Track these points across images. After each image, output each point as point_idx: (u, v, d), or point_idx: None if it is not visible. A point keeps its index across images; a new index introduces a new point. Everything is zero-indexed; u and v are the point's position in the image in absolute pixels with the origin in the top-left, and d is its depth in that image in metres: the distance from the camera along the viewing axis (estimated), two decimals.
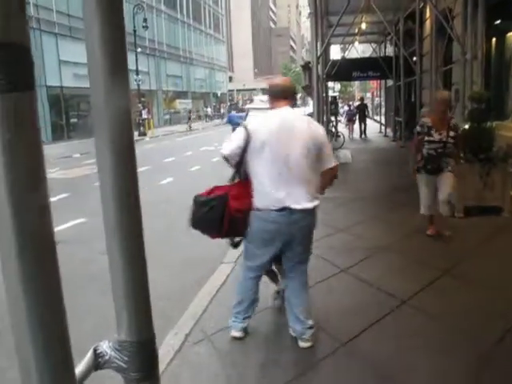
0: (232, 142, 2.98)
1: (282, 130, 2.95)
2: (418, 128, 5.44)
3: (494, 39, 8.91)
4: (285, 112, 3.06)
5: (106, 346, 1.14)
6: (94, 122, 1.01)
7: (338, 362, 3.01)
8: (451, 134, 5.24)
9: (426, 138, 5.30)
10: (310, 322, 3.19)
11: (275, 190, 2.92)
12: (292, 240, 3.05)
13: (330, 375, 2.89)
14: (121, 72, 0.99)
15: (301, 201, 2.95)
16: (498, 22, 8.61)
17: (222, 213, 3.02)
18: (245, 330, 3.35)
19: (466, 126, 6.60)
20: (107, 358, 1.13)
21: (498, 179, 6.10)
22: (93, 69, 0.97)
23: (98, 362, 1.14)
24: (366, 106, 22.49)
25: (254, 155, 2.93)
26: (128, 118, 1.02)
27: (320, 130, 3.13)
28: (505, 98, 8.16)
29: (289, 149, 2.92)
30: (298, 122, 3.06)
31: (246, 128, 2.93)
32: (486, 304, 3.68)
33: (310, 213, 3.02)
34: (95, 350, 1.14)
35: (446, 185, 5.29)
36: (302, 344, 3.16)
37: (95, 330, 3.54)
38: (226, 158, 3.03)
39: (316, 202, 3.03)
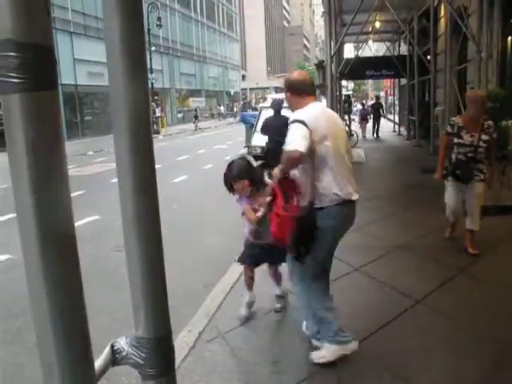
0: (301, 138, 2.74)
1: (331, 124, 2.97)
2: (448, 128, 4.98)
3: (510, 38, 8.80)
4: (321, 106, 3.14)
5: (123, 343, 1.16)
6: (112, 121, 1.03)
7: (347, 364, 3.00)
8: (484, 137, 4.70)
9: (456, 141, 4.82)
10: None
11: (337, 183, 2.87)
12: (342, 235, 3.05)
13: (343, 373, 2.89)
14: (140, 71, 1.01)
15: (354, 192, 2.98)
16: None
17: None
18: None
19: None
20: (124, 354, 1.15)
21: None
22: (112, 68, 0.98)
23: (115, 358, 1.15)
24: (381, 105, 21.97)
25: (314, 150, 2.83)
26: (147, 116, 1.03)
27: None
28: None
29: (340, 141, 2.97)
30: (335, 115, 3.20)
31: (304, 123, 2.78)
32: (502, 304, 3.64)
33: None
34: (113, 346, 1.16)
35: (474, 198, 4.84)
36: (316, 343, 3.15)
37: (110, 326, 3.58)
38: (300, 157, 2.72)
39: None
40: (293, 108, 3.08)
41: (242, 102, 55.89)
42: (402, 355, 3.04)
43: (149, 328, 1.10)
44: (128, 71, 0.98)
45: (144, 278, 1.06)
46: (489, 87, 7.80)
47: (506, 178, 6.02)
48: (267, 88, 72.79)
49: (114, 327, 3.56)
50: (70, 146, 20.70)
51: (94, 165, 14.67)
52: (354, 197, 2.96)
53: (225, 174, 3.64)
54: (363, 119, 21.11)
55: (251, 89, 73.95)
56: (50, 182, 0.79)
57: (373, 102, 23.38)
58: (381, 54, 26.03)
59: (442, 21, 12.93)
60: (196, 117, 35.96)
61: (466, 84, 11.11)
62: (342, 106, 17.22)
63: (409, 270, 4.48)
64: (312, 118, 2.84)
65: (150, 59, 28.66)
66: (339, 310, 3.10)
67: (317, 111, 2.98)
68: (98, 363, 1.11)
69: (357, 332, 3.25)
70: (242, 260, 3.76)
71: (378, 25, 16.62)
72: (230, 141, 21.74)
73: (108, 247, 5.68)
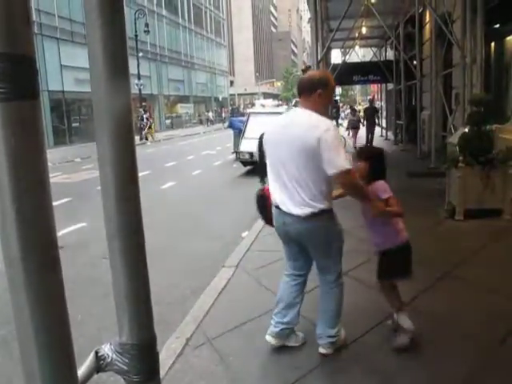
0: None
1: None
2: None
3: (493, 43, 8.94)
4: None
5: (107, 349, 1.16)
6: (95, 126, 1.03)
7: (338, 365, 3.02)
8: None
9: None
10: (331, 332, 3.11)
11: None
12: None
13: (331, 377, 2.90)
14: (122, 76, 1.01)
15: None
16: (497, 26, 8.65)
17: None
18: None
19: (466, 129, 6.63)
20: (109, 360, 1.15)
21: (498, 182, 6.11)
22: (94, 73, 0.99)
23: (99, 365, 1.15)
24: (376, 110, 18.90)
25: None
26: (129, 122, 1.04)
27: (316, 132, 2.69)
28: (504, 101, 8.19)
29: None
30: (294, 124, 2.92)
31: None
32: (486, 306, 3.68)
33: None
34: (97, 353, 1.16)
35: None
36: (320, 349, 3.14)
37: (98, 333, 3.56)
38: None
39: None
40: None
41: (230, 108, 56.00)
42: (388, 358, 3.06)
43: (133, 334, 1.10)
44: (110, 77, 0.99)
45: (127, 283, 1.06)
46: (473, 91, 7.91)
47: (490, 182, 6.09)
48: (255, 94, 73.02)
49: (101, 335, 3.54)
50: (57, 153, 20.56)
51: (81, 172, 14.57)
52: None
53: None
54: (354, 128, 17.84)
55: (239, 94, 74.14)
56: (31, 191, 0.80)
57: (365, 106, 21.68)
58: (368, 59, 26.25)
59: (427, 27, 13.10)
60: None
61: (451, 89, 11.25)
62: (330, 111, 17.30)
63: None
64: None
65: (138, 65, 28.62)
66: (327, 314, 3.14)
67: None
68: (83, 370, 1.11)
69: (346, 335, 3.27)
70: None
71: (364, 30, 16.79)
72: (218, 146, 21.75)
73: (95, 255, 5.65)
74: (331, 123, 2.92)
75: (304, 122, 2.85)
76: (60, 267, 0.87)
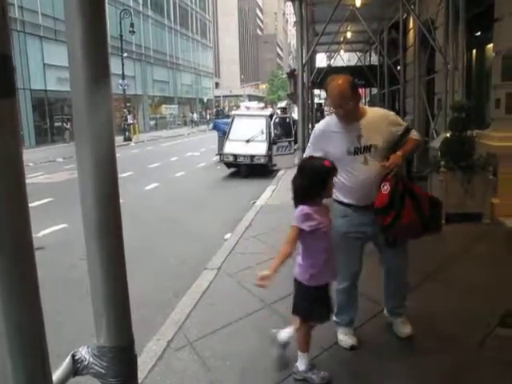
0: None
1: None
2: None
3: (474, 50, 9.08)
4: None
5: (84, 352, 1.14)
6: (74, 126, 1.02)
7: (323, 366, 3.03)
8: None
9: None
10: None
11: None
12: None
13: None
14: (103, 76, 1.00)
15: None
16: (478, 33, 8.78)
17: None
18: None
19: (448, 135, 6.71)
20: (86, 363, 1.14)
21: (478, 186, 6.20)
22: (74, 73, 0.98)
23: (76, 368, 1.14)
24: None
25: None
26: (109, 122, 1.03)
27: None
28: (484, 108, 8.30)
29: None
30: None
31: None
32: (466, 308, 3.73)
33: None
34: (74, 356, 1.14)
35: None
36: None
37: (77, 335, 3.50)
38: None
39: None
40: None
41: (215, 110, 55.94)
42: (368, 360, 3.08)
43: (110, 336, 1.09)
44: (90, 77, 0.97)
45: (105, 285, 1.05)
46: (455, 98, 8.01)
47: (471, 187, 6.18)
48: (240, 96, 73.06)
49: (80, 338, 3.48)
50: (39, 153, 20.30)
51: (63, 172, 14.39)
52: None
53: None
54: None
55: (224, 96, 74.06)
56: (6, 192, 0.78)
57: None
58: (352, 63, 26.45)
59: (411, 33, 13.24)
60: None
61: (434, 94, 11.38)
62: (314, 115, 17.41)
63: (376, 277, 4.53)
64: None
65: (123, 65, 28.38)
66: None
67: None
68: (59, 373, 1.10)
69: (329, 337, 3.28)
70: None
71: (349, 35, 16.90)
72: (203, 148, 21.69)
73: (76, 256, 5.57)
74: (319, 123, 3.41)
75: None
76: (35, 268, 0.85)
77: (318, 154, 2.96)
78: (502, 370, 2.89)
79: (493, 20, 7.13)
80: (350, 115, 3.01)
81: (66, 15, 0.97)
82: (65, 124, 26.39)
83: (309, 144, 3.29)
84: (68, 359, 1.13)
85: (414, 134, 3.17)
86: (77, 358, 1.14)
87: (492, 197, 6.29)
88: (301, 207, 2.65)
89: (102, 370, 1.12)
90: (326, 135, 3.14)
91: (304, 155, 3.15)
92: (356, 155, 3.00)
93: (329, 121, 3.26)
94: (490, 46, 7.76)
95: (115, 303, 1.07)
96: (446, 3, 8.43)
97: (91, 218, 1.02)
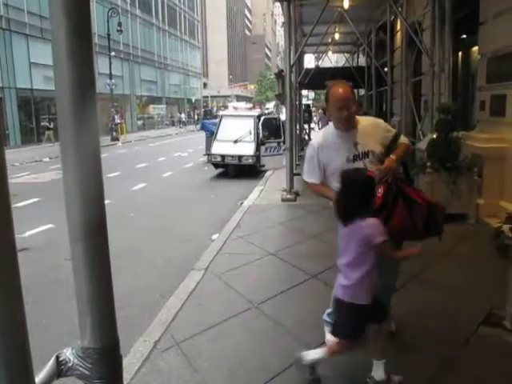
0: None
1: None
2: None
3: (460, 53, 9.18)
4: None
5: (69, 353, 1.13)
6: (58, 125, 1.01)
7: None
8: None
9: None
10: None
11: None
12: None
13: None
14: (87, 77, 1.00)
15: None
16: (464, 36, 8.89)
17: None
18: None
19: (434, 136, 6.77)
20: (70, 365, 1.13)
21: (464, 187, 6.27)
22: (59, 74, 0.97)
23: (60, 370, 1.13)
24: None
25: None
26: (94, 122, 1.02)
27: None
28: (470, 110, 8.40)
29: None
30: None
31: None
32: (451, 307, 3.78)
33: None
34: (58, 357, 1.13)
35: None
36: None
37: (62, 336, 3.47)
38: None
39: None
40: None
41: (203, 110, 55.81)
42: (357, 360, 3.10)
43: (95, 338, 1.09)
44: (75, 76, 0.97)
45: (90, 285, 1.04)
46: (441, 99, 8.09)
47: (456, 188, 6.24)
48: (228, 96, 72.98)
49: (65, 340, 3.46)
50: (25, 152, 20.09)
51: (50, 171, 14.25)
52: None
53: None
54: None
55: (212, 96, 73.90)
56: None
57: None
58: (340, 64, 26.58)
59: (398, 35, 13.35)
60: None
61: (420, 96, 11.48)
62: (302, 116, 17.45)
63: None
64: None
65: (110, 65, 28.20)
66: (297, 317, 3.15)
67: None
68: (42, 375, 1.09)
69: (314, 337, 3.30)
70: None
71: (337, 36, 16.97)
72: (190, 148, 21.63)
73: (62, 256, 5.53)
74: (315, 138, 3.51)
75: None
76: (17, 268, 0.85)
77: (320, 172, 3.10)
78: (486, 367, 2.93)
79: (478, 23, 7.23)
80: (351, 119, 3.05)
81: (51, 15, 0.96)
82: (47, 123, 26.11)
83: (307, 164, 3.20)
84: (52, 361, 1.12)
85: (404, 139, 3.25)
86: (61, 359, 1.13)
87: (477, 197, 6.37)
88: (371, 220, 2.56)
89: (87, 372, 1.11)
90: (325, 148, 3.14)
91: (305, 179, 3.19)
92: (355, 162, 3.03)
93: (325, 133, 3.25)
94: (476, 48, 7.86)
95: (100, 304, 1.06)
96: (433, 6, 8.52)
97: (76, 218, 1.02)
